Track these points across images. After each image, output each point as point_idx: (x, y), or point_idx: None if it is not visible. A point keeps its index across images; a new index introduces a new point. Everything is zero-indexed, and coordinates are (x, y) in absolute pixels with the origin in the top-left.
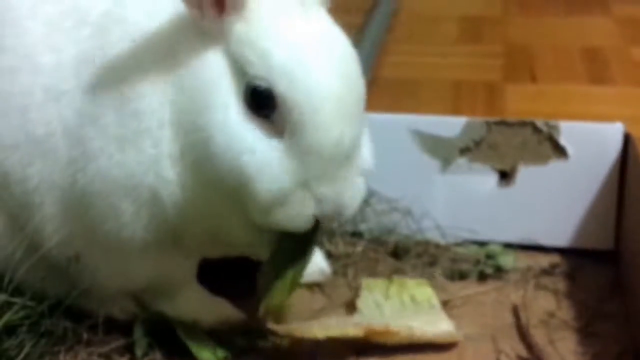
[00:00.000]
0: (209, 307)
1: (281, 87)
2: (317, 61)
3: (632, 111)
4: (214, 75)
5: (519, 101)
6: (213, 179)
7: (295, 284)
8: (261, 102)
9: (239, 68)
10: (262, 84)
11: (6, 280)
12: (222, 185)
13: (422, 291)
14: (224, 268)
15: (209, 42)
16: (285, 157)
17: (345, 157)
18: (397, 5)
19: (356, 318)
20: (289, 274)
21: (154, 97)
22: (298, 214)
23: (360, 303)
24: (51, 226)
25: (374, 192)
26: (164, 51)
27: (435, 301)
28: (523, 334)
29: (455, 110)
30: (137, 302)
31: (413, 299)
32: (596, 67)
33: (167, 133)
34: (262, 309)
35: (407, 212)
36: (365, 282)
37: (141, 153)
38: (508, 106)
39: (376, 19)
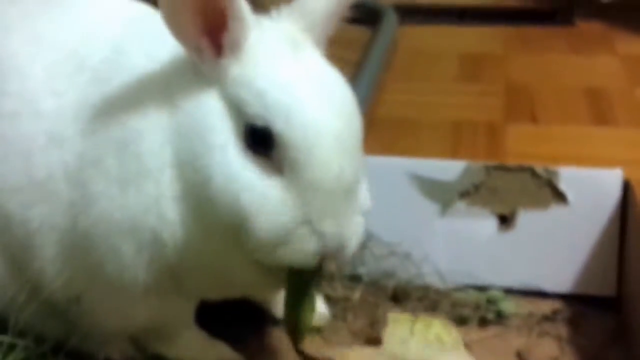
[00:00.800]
0: (208, 350)
1: (278, 125)
2: (311, 98)
3: (636, 154)
4: (210, 117)
5: (520, 142)
6: (215, 220)
7: (313, 306)
8: (259, 140)
9: (236, 109)
10: (259, 122)
11: (11, 322)
12: (224, 226)
13: (447, 332)
14: (223, 311)
15: (205, 85)
16: (285, 194)
17: (346, 192)
18: (395, 40)
19: (381, 351)
20: (310, 298)
21: (154, 139)
22: (301, 250)
23: (386, 337)
24: (52, 268)
25: (372, 235)
26: (162, 94)
27: (461, 343)
28: None
29: (455, 151)
30: (136, 345)
31: (438, 338)
32: (599, 108)
33: (168, 174)
34: (299, 337)
35: (407, 256)
36: (392, 316)
37: (142, 194)
38: (508, 147)
39: (374, 55)
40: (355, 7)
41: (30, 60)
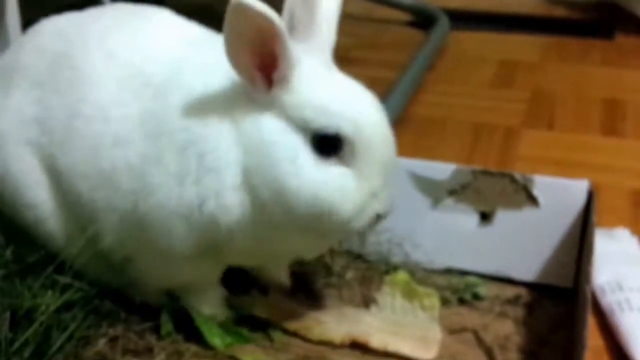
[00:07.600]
0: (224, 306)
1: (347, 130)
2: (363, 104)
3: (635, 164)
4: (272, 137)
5: (532, 147)
6: (287, 215)
7: None
8: (330, 145)
9: (300, 126)
10: (330, 131)
11: (69, 266)
12: (300, 220)
13: (430, 301)
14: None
15: (260, 108)
16: (355, 180)
17: (390, 167)
18: (444, 44)
19: (373, 310)
20: None
21: (219, 142)
22: (369, 216)
23: (380, 297)
24: (110, 234)
25: None
26: (222, 109)
27: (436, 314)
28: (488, 352)
29: (471, 152)
30: (168, 295)
31: (422, 305)
32: (611, 120)
33: (232, 170)
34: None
35: (400, 241)
36: (389, 278)
37: (202, 187)
38: (520, 152)
39: (420, 58)
40: (412, 11)
41: (105, 74)
